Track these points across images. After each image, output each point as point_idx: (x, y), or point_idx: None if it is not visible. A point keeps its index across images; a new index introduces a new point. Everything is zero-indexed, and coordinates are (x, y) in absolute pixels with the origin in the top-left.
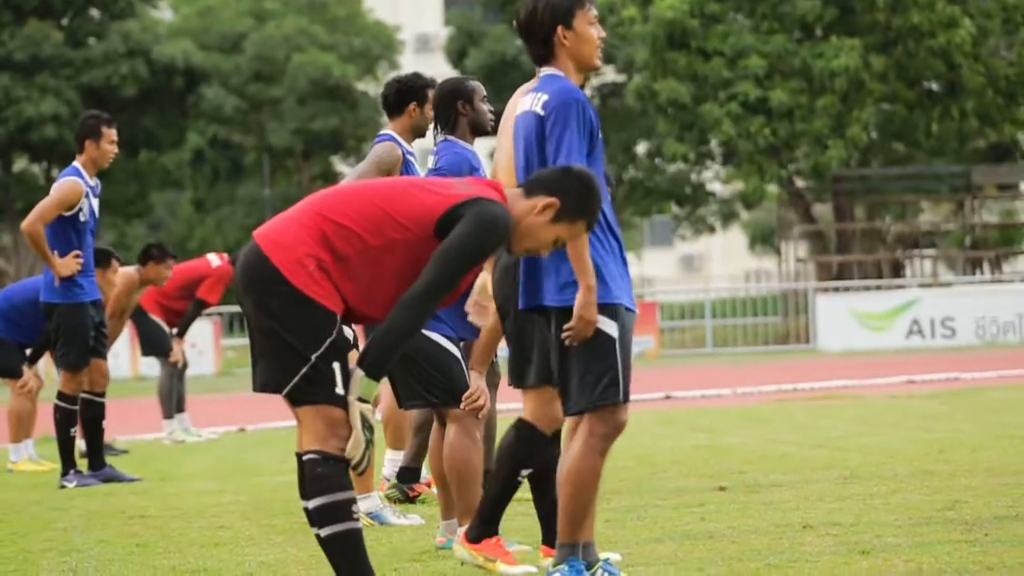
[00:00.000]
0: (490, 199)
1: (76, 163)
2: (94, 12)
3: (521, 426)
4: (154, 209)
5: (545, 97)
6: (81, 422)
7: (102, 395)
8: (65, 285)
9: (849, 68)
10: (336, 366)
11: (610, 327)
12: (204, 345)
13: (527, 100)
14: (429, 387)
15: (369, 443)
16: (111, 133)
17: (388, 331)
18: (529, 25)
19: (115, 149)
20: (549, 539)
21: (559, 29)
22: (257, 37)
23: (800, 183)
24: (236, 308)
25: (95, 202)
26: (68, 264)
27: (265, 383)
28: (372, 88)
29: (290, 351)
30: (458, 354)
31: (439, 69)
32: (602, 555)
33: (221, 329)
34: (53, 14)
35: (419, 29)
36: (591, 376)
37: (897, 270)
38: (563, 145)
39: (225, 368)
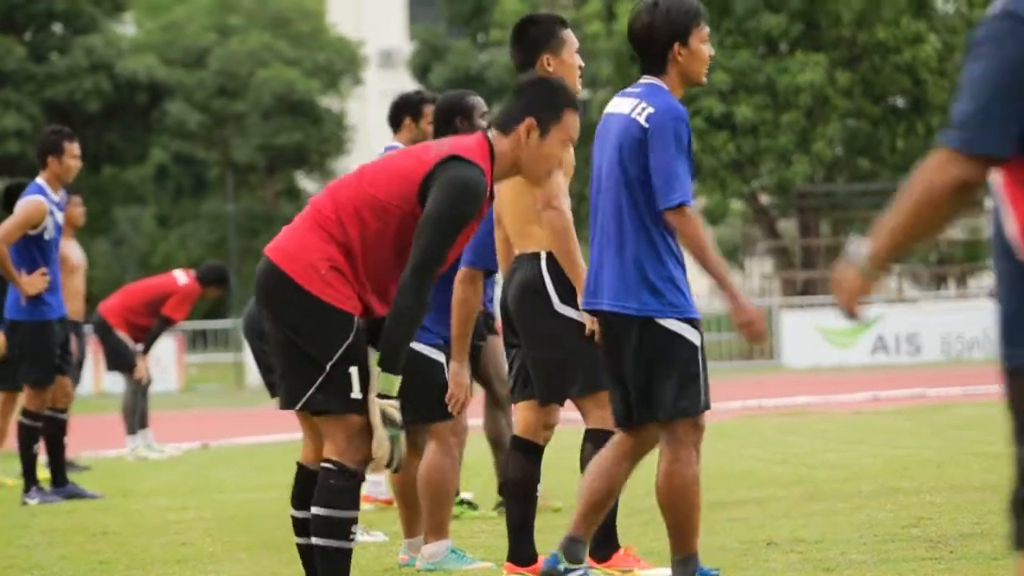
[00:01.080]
0: (461, 157)
1: (39, 179)
2: (57, 27)
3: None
4: (117, 225)
5: (651, 110)
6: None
7: (64, 411)
8: (31, 303)
9: (814, 84)
10: (353, 370)
11: (694, 336)
12: (167, 361)
13: (625, 104)
14: (418, 402)
15: (395, 440)
16: (73, 148)
17: (394, 321)
18: (644, 38)
19: (78, 164)
20: (516, 556)
21: (675, 45)
22: (221, 52)
23: (765, 199)
24: (200, 324)
25: (60, 216)
26: (35, 282)
27: (287, 399)
28: (336, 103)
29: (306, 362)
30: (444, 361)
31: (403, 84)
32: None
33: (184, 345)
34: (16, 29)
35: (383, 44)
36: (679, 386)
37: None
38: (667, 162)
39: (188, 384)
